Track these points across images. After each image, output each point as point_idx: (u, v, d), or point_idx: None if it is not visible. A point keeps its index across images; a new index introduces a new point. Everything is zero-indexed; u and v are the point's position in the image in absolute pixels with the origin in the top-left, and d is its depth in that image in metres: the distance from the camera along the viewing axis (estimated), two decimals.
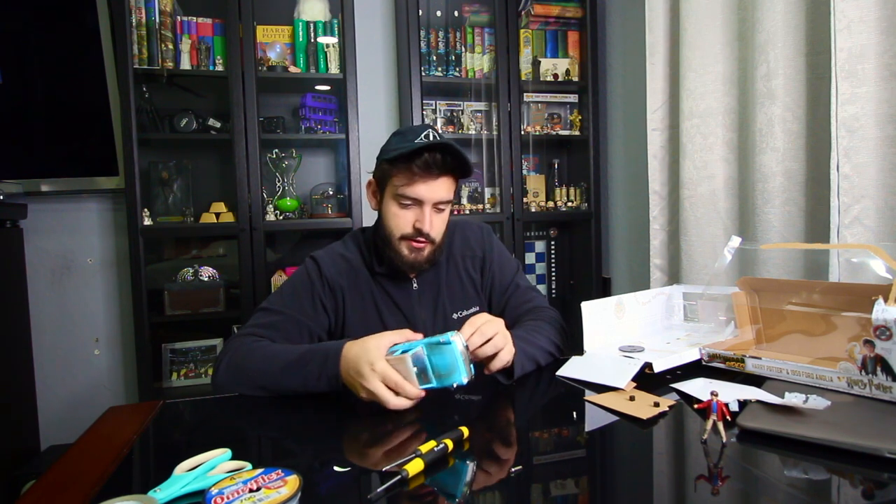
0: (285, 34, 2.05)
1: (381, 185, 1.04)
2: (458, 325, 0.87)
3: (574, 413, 0.82)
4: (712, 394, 0.66)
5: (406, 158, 0.96)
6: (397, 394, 0.77)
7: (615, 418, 0.75)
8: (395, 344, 0.82)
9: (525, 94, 2.28)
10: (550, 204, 2.33)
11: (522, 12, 2.26)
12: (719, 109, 1.52)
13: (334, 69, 2.03)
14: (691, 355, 0.93)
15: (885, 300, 0.71)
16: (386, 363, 0.78)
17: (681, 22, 1.59)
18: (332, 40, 2.04)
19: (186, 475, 0.58)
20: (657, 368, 0.88)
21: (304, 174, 2.18)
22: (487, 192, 2.32)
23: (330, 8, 2.08)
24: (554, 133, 2.33)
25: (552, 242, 2.52)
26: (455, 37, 2.21)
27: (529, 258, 2.47)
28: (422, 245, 1.02)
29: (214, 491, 0.51)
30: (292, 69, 2.01)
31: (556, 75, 2.28)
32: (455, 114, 2.28)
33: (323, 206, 2.12)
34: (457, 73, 2.22)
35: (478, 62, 2.24)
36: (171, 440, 0.80)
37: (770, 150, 1.33)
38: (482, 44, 2.24)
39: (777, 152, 1.32)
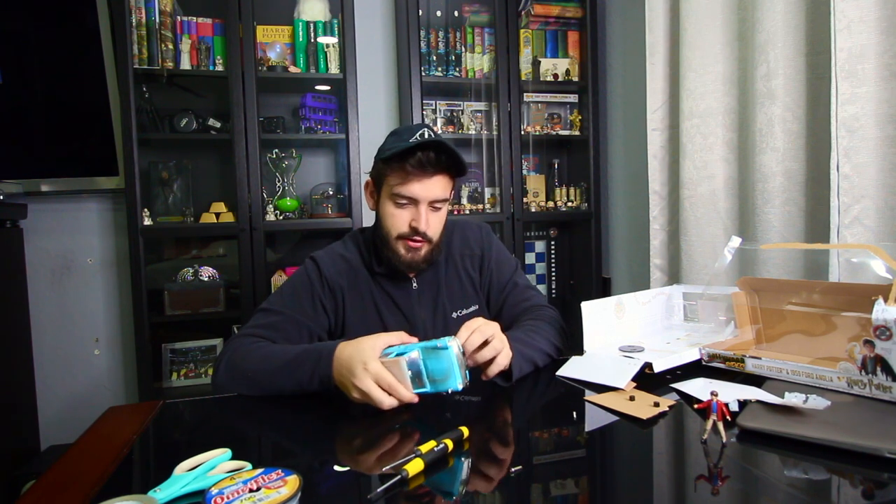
0: (285, 34, 2.05)
1: (378, 184, 1.05)
2: (457, 325, 0.86)
3: (574, 413, 0.82)
4: (712, 394, 0.66)
5: (400, 157, 0.96)
6: (390, 395, 0.77)
7: (615, 418, 0.74)
8: (391, 346, 0.81)
9: (525, 94, 2.28)
10: (550, 204, 2.33)
11: (522, 12, 2.26)
12: (719, 109, 1.52)
13: (334, 69, 2.03)
14: (691, 355, 0.93)
15: (885, 300, 0.71)
16: (379, 363, 0.78)
17: (681, 22, 1.59)
18: (332, 40, 2.04)
19: (186, 475, 0.58)
20: (657, 368, 0.88)
21: (304, 174, 2.18)
22: (487, 192, 2.32)
23: (330, 8, 2.08)
24: (554, 133, 2.33)
25: (552, 242, 2.52)
26: (455, 37, 2.21)
27: (529, 258, 2.47)
28: (419, 244, 1.02)
29: (214, 491, 0.51)
30: (292, 69, 2.01)
31: (556, 75, 2.28)
32: (455, 114, 2.28)
33: (323, 206, 2.12)
34: (457, 73, 2.22)
35: (478, 62, 2.24)
36: (171, 440, 0.80)
37: (770, 150, 1.33)
38: (482, 44, 2.24)
39: (777, 152, 1.32)
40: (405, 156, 0.96)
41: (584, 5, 2.25)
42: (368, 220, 1.10)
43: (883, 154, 1.12)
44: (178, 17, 1.94)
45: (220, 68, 1.94)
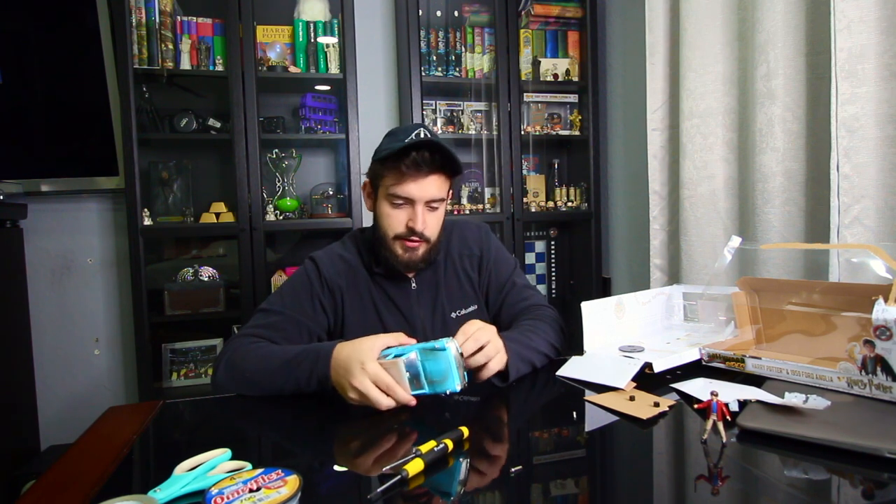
0: (285, 34, 2.05)
1: (374, 185, 1.05)
2: (456, 325, 0.87)
3: (574, 413, 0.82)
4: (712, 394, 0.66)
5: (395, 158, 0.97)
6: (387, 396, 0.77)
7: (615, 418, 0.74)
8: (389, 347, 0.81)
9: (525, 94, 2.28)
10: (550, 204, 2.33)
11: (522, 12, 2.26)
12: (719, 109, 1.52)
13: (334, 69, 2.03)
14: (691, 355, 0.93)
15: (885, 300, 0.71)
16: (377, 364, 0.78)
17: (681, 22, 1.59)
18: (332, 40, 2.04)
19: (186, 475, 0.58)
20: (657, 368, 0.88)
21: (304, 174, 2.18)
22: (487, 192, 2.32)
23: (330, 8, 2.08)
24: (554, 133, 2.33)
25: (552, 242, 2.52)
26: (455, 37, 2.21)
27: (529, 258, 2.47)
28: (416, 244, 1.02)
29: (214, 491, 0.51)
30: (292, 69, 2.01)
31: (556, 75, 2.28)
32: (455, 114, 2.28)
33: (323, 206, 2.12)
34: (457, 73, 2.22)
35: (478, 62, 2.24)
36: (171, 440, 0.80)
37: (770, 150, 1.33)
38: (482, 44, 2.24)
39: (777, 152, 1.32)
40: (400, 156, 0.96)
41: (584, 5, 2.25)
42: (368, 220, 1.10)
43: (883, 154, 1.12)
44: (178, 17, 1.93)
45: (220, 68, 1.94)
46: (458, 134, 2.24)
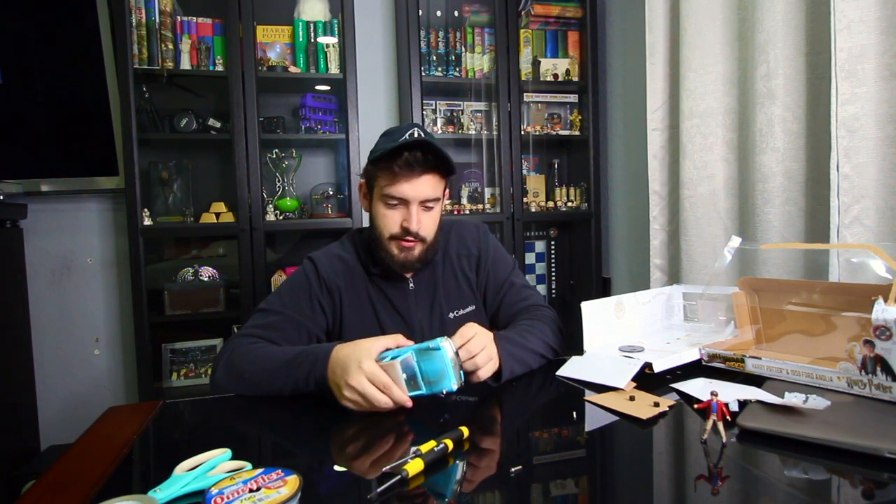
0: (285, 34, 2.05)
1: (370, 186, 1.05)
2: (454, 325, 0.86)
3: (574, 413, 0.82)
4: (712, 394, 0.66)
5: (388, 158, 0.97)
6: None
7: (615, 418, 0.74)
8: (387, 349, 0.81)
9: (525, 94, 2.28)
10: (550, 204, 2.33)
11: (522, 12, 2.26)
12: (719, 109, 1.52)
13: (334, 69, 2.03)
14: (691, 355, 0.93)
15: (885, 300, 0.71)
16: (375, 363, 0.78)
17: (681, 22, 1.59)
18: (332, 40, 2.04)
19: (186, 475, 0.58)
20: (657, 368, 0.88)
21: (304, 174, 2.18)
22: (487, 192, 2.32)
23: (330, 8, 2.08)
24: (554, 133, 2.33)
25: (552, 242, 2.52)
26: (455, 37, 2.21)
27: (529, 258, 2.47)
28: (411, 244, 1.02)
29: (214, 491, 0.51)
30: (292, 69, 2.01)
31: (556, 75, 2.28)
32: (455, 114, 2.28)
33: (323, 206, 2.12)
34: (457, 73, 2.22)
35: (478, 62, 2.24)
36: (171, 440, 0.80)
37: (770, 150, 1.33)
38: (482, 44, 2.24)
39: (777, 152, 1.32)
40: (392, 156, 0.96)
41: (584, 5, 2.25)
42: (368, 219, 1.11)
43: (883, 154, 1.12)
44: (178, 17, 1.93)
45: (220, 68, 1.94)
46: (458, 134, 2.24)
